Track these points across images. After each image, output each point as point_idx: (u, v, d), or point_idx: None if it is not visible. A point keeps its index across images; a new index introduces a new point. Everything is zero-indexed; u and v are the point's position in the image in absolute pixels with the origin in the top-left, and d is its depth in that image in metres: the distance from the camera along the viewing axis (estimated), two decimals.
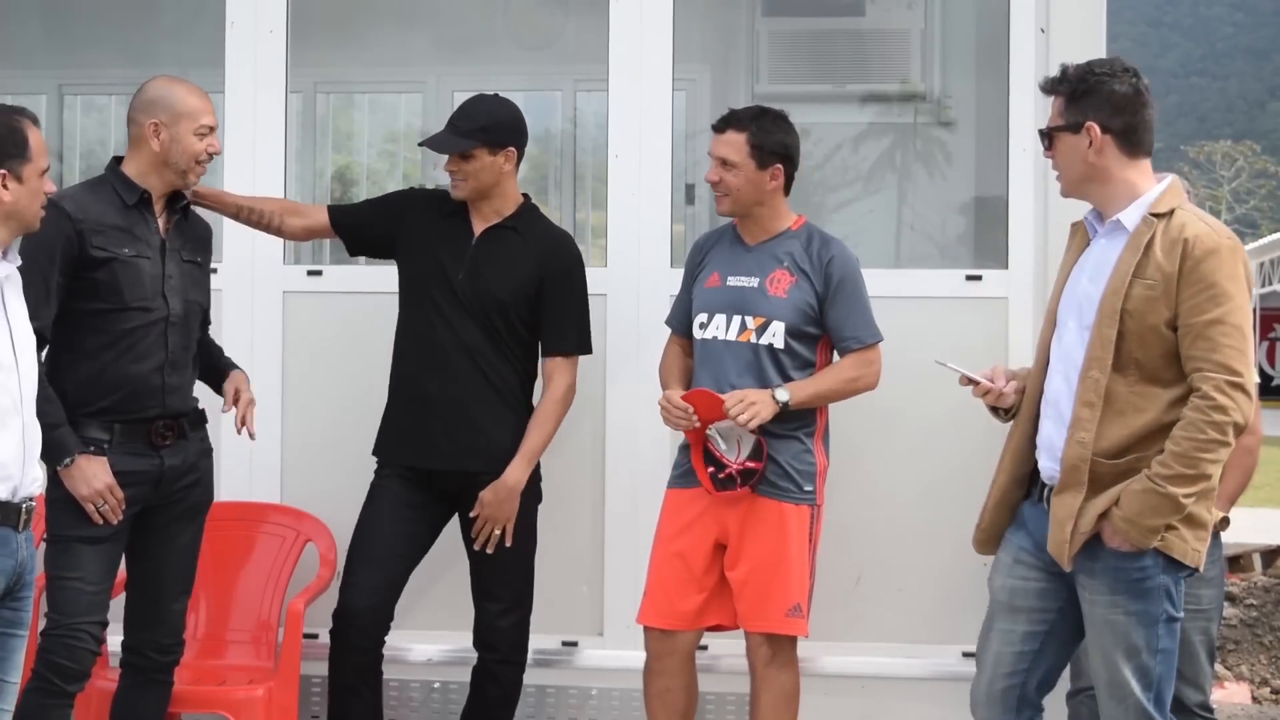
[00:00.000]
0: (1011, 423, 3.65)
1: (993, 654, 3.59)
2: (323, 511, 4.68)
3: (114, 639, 4.11)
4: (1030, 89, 4.51)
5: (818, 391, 4.13)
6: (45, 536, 3.83)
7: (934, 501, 4.63)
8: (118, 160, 3.98)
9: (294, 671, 4.37)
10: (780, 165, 4.16)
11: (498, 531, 4.19)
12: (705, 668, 4.40)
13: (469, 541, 4.27)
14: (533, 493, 4.27)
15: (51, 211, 3.57)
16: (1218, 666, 6.48)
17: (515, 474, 4.18)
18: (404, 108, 6.98)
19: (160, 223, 3.95)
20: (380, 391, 4.35)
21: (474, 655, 4.32)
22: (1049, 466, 3.47)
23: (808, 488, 4.14)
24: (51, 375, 3.75)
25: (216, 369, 4.19)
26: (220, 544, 4.50)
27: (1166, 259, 3.31)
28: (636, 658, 4.30)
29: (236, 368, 4.18)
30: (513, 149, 4.21)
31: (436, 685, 4.80)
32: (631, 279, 4.74)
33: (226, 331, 4.58)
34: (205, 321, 4.16)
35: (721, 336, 4.17)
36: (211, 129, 3.95)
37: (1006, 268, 4.68)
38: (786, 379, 4.12)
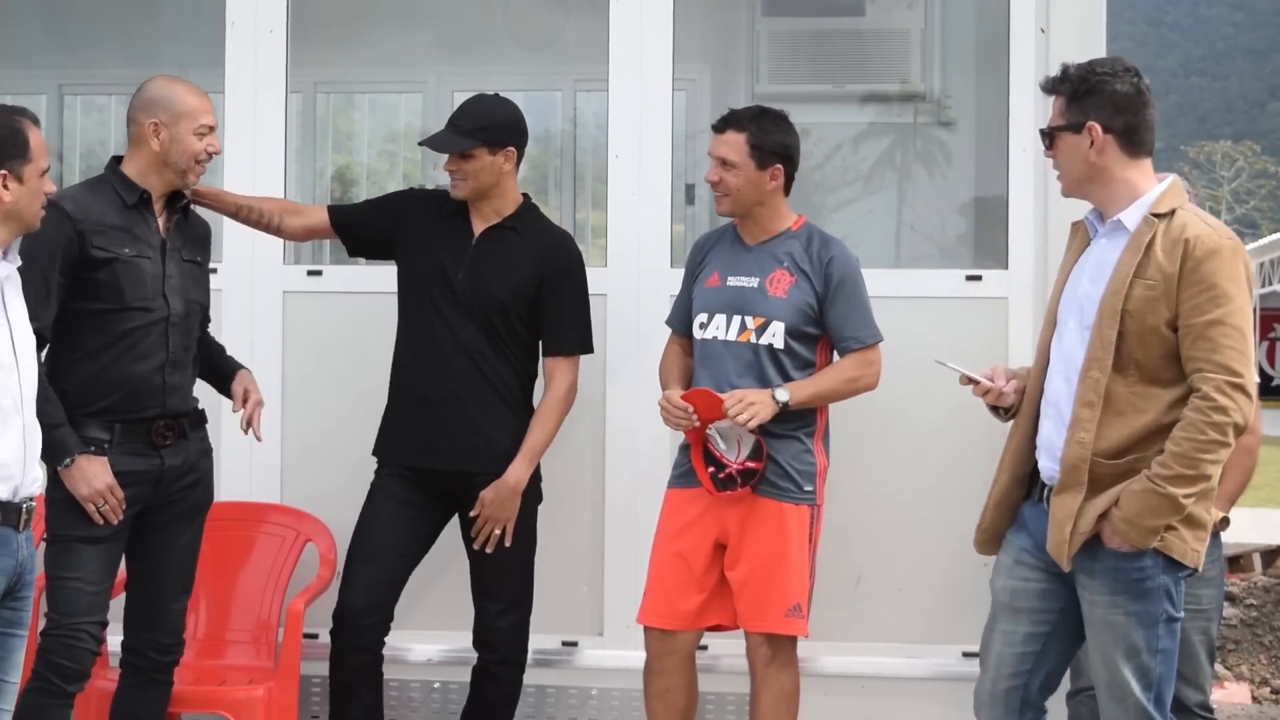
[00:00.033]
0: (1012, 423, 3.65)
1: (995, 655, 3.59)
2: (323, 511, 4.68)
3: (114, 639, 4.11)
4: (1030, 89, 4.51)
5: (817, 392, 4.13)
6: (45, 536, 3.83)
7: (934, 501, 4.63)
8: (117, 160, 3.98)
9: (294, 671, 4.37)
10: (780, 165, 4.16)
11: (497, 531, 4.19)
12: (705, 668, 4.40)
13: (469, 541, 4.27)
14: (533, 493, 4.27)
15: (52, 212, 3.57)
16: (1218, 666, 6.48)
17: (516, 473, 4.18)
18: (404, 108, 6.98)
19: (160, 222, 3.95)
20: (380, 391, 4.35)
21: (474, 655, 4.32)
22: (1048, 467, 3.47)
23: (808, 488, 4.14)
24: (52, 375, 3.75)
25: (220, 369, 4.19)
26: (220, 544, 4.50)
27: (1167, 259, 3.30)
28: (636, 658, 4.30)
29: (242, 367, 4.18)
30: (512, 149, 4.21)
31: (436, 685, 4.80)
32: (631, 279, 4.74)
33: (226, 331, 4.57)
34: (205, 321, 4.17)
35: (721, 336, 4.17)
36: (211, 128, 3.95)
37: (1006, 268, 4.68)
38: (787, 379, 4.12)
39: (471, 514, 4.20)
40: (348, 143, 7.14)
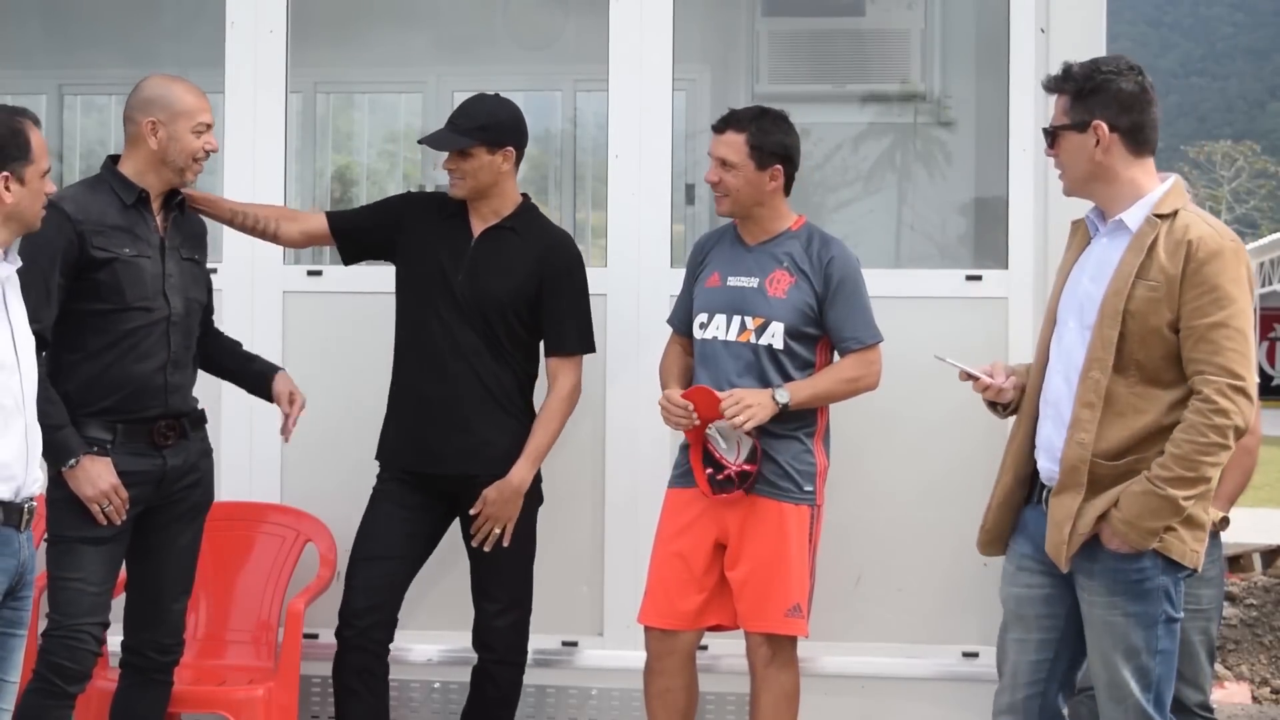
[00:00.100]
0: (1013, 423, 3.64)
1: (1011, 664, 3.59)
2: (323, 511, 4.68)
3: (114, 639, 4.11)
4: (1030, 89, 4.52)
5: (817, 392, 4.13)
6: (47, 537, 3.84)
7: (934, 501, 4.63)
8: (114, 159, 3.98)
9: (294, 671, 4.38)
10: (780, 166, 4.16)
11: (497, 530, 4.19)
12: (705, 668, 4.40)
13: (469, 541, 4.27)
14: (534, 494, 4.27)
15: (52, 213, 3.57)
16: (1218, 666, 6.48)
17: (520, 474, 4.18)
18: (404, 108, 6.98)
19: (158, 221, 3.95)
20: (380, 391, 4.35)
21: (474, 655, 4.33)
22: (1048, 468, 3.46)
23: (808, 488, 4.14)
24: (53, 376, 3.75)
25: (253, 369, 4.21)
26: (220, 544, 4.51)
27: (1170, 261, 3.30)
28: (636, 658, 4.30)
29: (279, 368, 4.20)
30: (511, 149, 4.21)
31: (436, 685, 4.80)
32: (631, 279, 4.74)
33: (226, 331, 4.57)
34: (209, 317, 4.17)
35: (721, 337, 4.17)
36: (209, 126, 3.95)
37: (1006, 268, 4.68)
38: (787, 379, 4.12)
39: (472, 511, 4.20)
40: (348, 143, 7.14)
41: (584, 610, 4.78)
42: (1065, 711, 3.58)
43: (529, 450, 4.19)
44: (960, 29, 5.57)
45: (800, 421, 4.13)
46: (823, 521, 4.20)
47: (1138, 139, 3.41)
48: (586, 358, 4.33)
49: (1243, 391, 3.25)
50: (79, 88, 6.63)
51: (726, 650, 4.52)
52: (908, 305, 4.61)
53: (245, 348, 4.31)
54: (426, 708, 4.81)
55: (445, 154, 4.23)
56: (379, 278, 4.52)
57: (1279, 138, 63.31)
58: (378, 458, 4.33)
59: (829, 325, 4.16)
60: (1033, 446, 3.54)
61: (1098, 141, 3.39)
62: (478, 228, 4.26)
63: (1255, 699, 6.42)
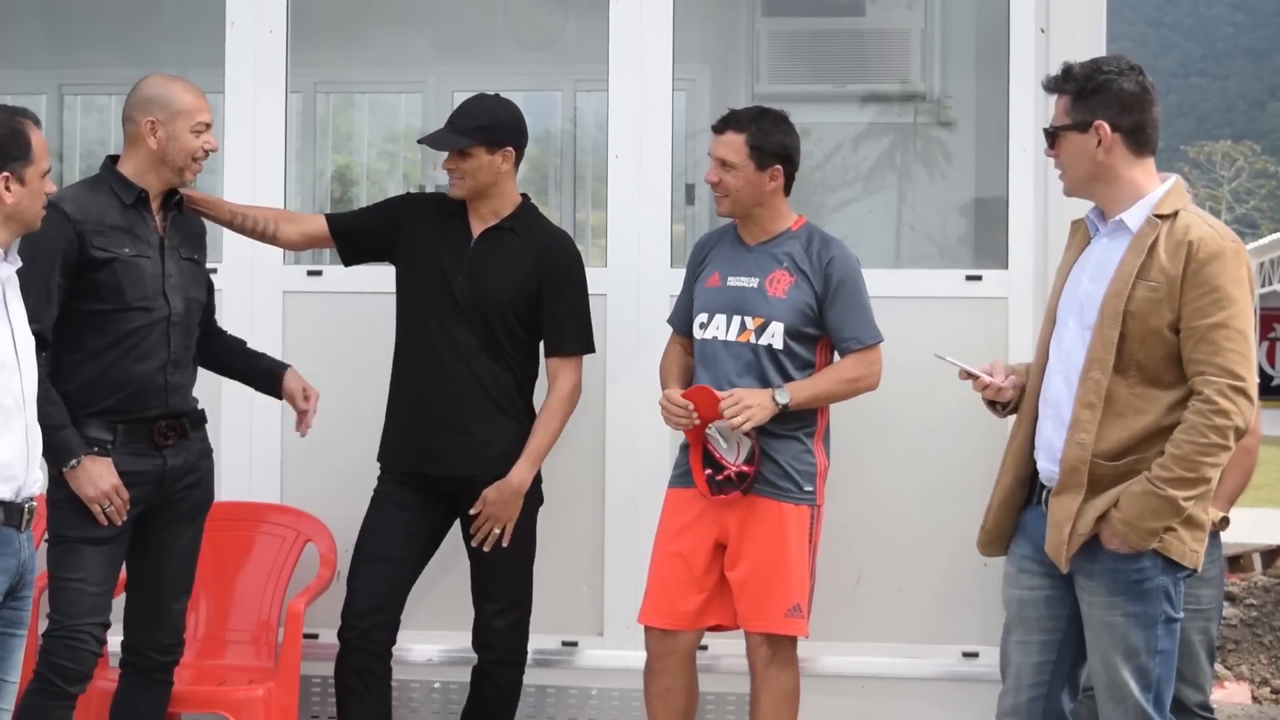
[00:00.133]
0: (1013, 423, 3.64)
1: (1014, 667, 3.58)
2: (323, 511, 4.68)
3: (114, 639, 4.11)
4: (1030, 89, 4.52)
5: (817, 393, 4.13)
6: (48, 538, 3.84)
7: (934, 501, 4.63)
8: (113, 159, 3.98)
9: (294, 671, 4.38)
10: (779, 166, 4.16)
11: (496, 530, 4.19)
12: (705, 668, 4.40)
13: (469, 541, 4.27)
14: (534, 495, 4.27)
15: (51, 213, 3.57)
16: (1218, 666, 6.48)
17: (520, 474, 4.18)
18: (404, 108, 6.97)
19: (157, 221, 3.95)
20: (380, 391, 4.34)
21: (474, 655, 4.32)
22: (1047, 468, 3.46)
23: (808, 488, 4.13)
24: (53, 377, 3.75)
25: (260, 367, 4.24)
26: (220, 544, 4.51)
27: (1171, 261, 3.30)
28: (636, 658, 4.30)
29: (287, 365, 4.23)
30: (510, 149, 4.20)
31: (437, 685, 4.80)
32: (631, 279, 4.74)
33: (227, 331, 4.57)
34: (209, 319, 4.17)
35: (721, 337, 4.17)
36: (207, 126, 3.95)
37: (1006, 268, 4.68)
38: (787, 379, 4.12)
39: (472, 512, 4.20)
40: (348, 143, 7.13)
41: (584, 610, 4.78)
42: (1068, 711, 3.57)
43: (529, 450, 4.19)
44: (960, 29, 5.57)
45: (800, 421, 4.13)
46: (823, 521, 4.20)
47: (1139, 139, 3.41)
48: (587, 358, 4.33)
49: (1243, 392, 3.25)
50: (79, 88, 6.63)
51: (726, 650, 4.52)
52: (908, 305, 4.61)
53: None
54: (426, 708, 4.81)
55: (445, 154, 4.23)
56: (379, 278, 4.52)
57: (1279, 138, 63.30)
58: (379, 459, 4.34)
59: (829, 325, 4.16)
60: (1033, 447, 3.54)
61: (1099, 142, 3.39)
62: (477, 228, 4.25)
63: (1255, 699, 6.42)
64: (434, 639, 4.73)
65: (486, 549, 4.20)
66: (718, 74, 5.85)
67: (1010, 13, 4.68)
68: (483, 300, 4.17)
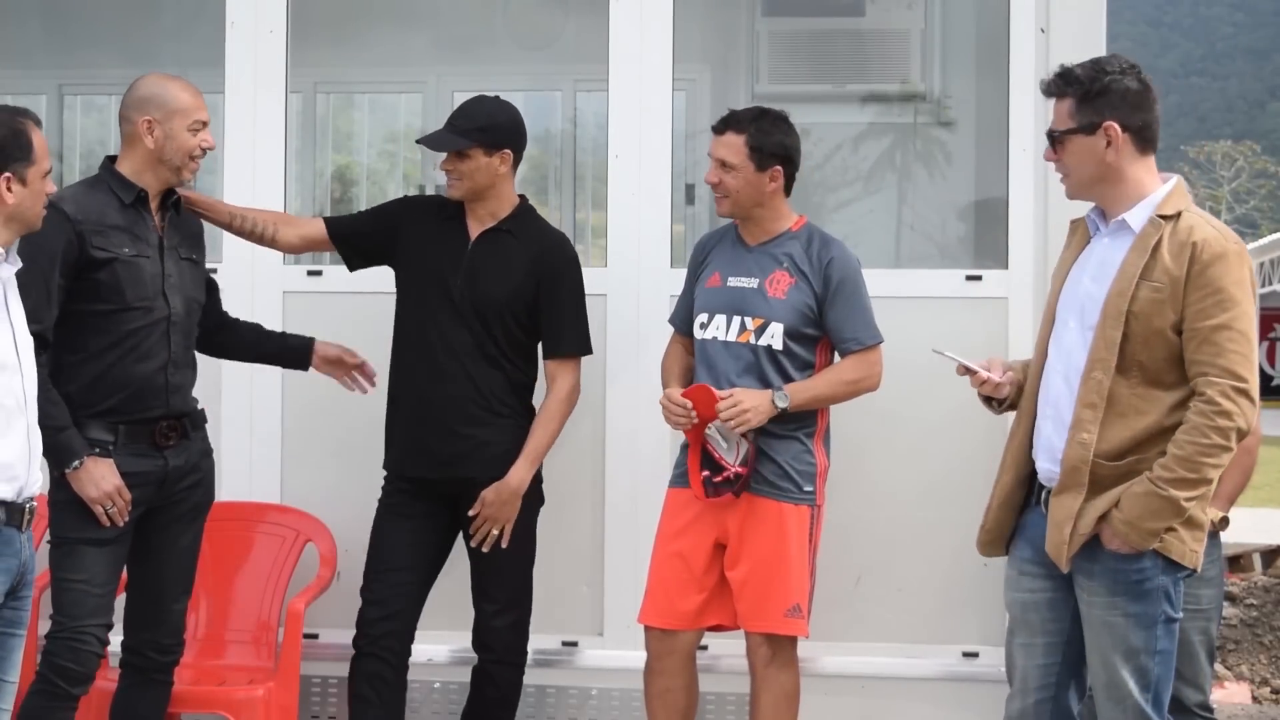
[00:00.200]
0: (1012, 422, 3.64)
1: (1020, 670, 3.58)
2: (323, 511, 4.68)
3: (114, 639, 4.11)
4: (1030, 89, 4.51)
5: (817, 395, 4.13)
6: (50, 539, 3.84)
7: (934, 501, 4.63)
8: (111, 159, 3.98)
9: (294, 671, 4.38)
10: (779, 167, 4.16)
11: (495, 532, 4.19)
12: (705, 668, 4.40)
13: (469, 542, 4.26)
14: (534, 495, 4.27)
15: (51, 214, 3.56)
16: (1218, 666, 6.48)
17: (518, 475, 4.18)
18: (404, 108, 6.97)
19: (156, 220, 3.95)
20: (380, 392, 4.35)
21: (474, 655, 4.32)
22: (1047, 468, 3.46)
23: (807, 488, 4.13)
24: (54, 377, 3.75)
25: (294, 346, 4.32)
26: (220, 544, 4.51)
27: (1174, 262, 3.29)
28: (636, 658, 4.30)
29: (312, 338, 4.31)
30: (509, 151, 4.20)
31: (437, 685, 4.80)
32: (631, 279, 4.74)
33: None
34: (218, 312, 4.18)
35: (721, 337, 4.17)
36: (205, 124, 3.95)
37: (1006, 268, 4.68)
38: (787, 380, 4.12)
39: (470, 513, 4.20)
40: (348, 143, 7.13)
41: (584, 610, 4.78)
42: (1076, 712, 3.57)
43: (527, 451, 4.19)
44: (960, 29, 5.57)
45: (800, 422, 4.13)
46: (823, 521, 4.20)
47: (1146, 137, 3.41)
48: (587, 358, 4.33)
49: (1245, 394, 3.25)
50: (79, 88, 6.63)
51: (726, 650, 4.52)
52: (908, 305, 4.61)
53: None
54: (426, 708, 4.81)
55: (444, 154, 4.23)
56: (378, 278, 4.52)
57: (1279, 138, 63.29)
58: (384, 466, 4.33)
59: (829, 326, 4.16)
60: (1032, 446, 3.53)
61: (1109, 143, 3.37)
62: (475, 230, 4.25)
63: (1255, 699, 6.42)
64: (434, 639, 4.72)
65: (485, 550, 4.20)
66: (718, 74, 5.85)
67: (1010, 13, 4.68)
68: (480, 302, 4.17)
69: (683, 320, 4.35)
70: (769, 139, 4.14)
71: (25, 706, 3.68)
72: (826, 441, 4.22)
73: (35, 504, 3.40)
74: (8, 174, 3.31)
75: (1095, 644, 3.42)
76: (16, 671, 3.43)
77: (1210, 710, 4.12)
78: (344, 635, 4.39)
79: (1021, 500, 3.58)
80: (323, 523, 4.66)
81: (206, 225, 4.23)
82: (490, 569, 4.24)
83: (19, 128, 3.34)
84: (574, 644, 4.78)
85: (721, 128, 4.18)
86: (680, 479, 4.24)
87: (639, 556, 4.43)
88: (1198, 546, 3.36)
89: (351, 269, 4.46)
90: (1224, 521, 3.99)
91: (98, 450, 3.78)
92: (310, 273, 4.92)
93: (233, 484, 4.74)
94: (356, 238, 4.37)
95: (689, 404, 4.08)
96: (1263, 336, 23.63)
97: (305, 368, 4.36)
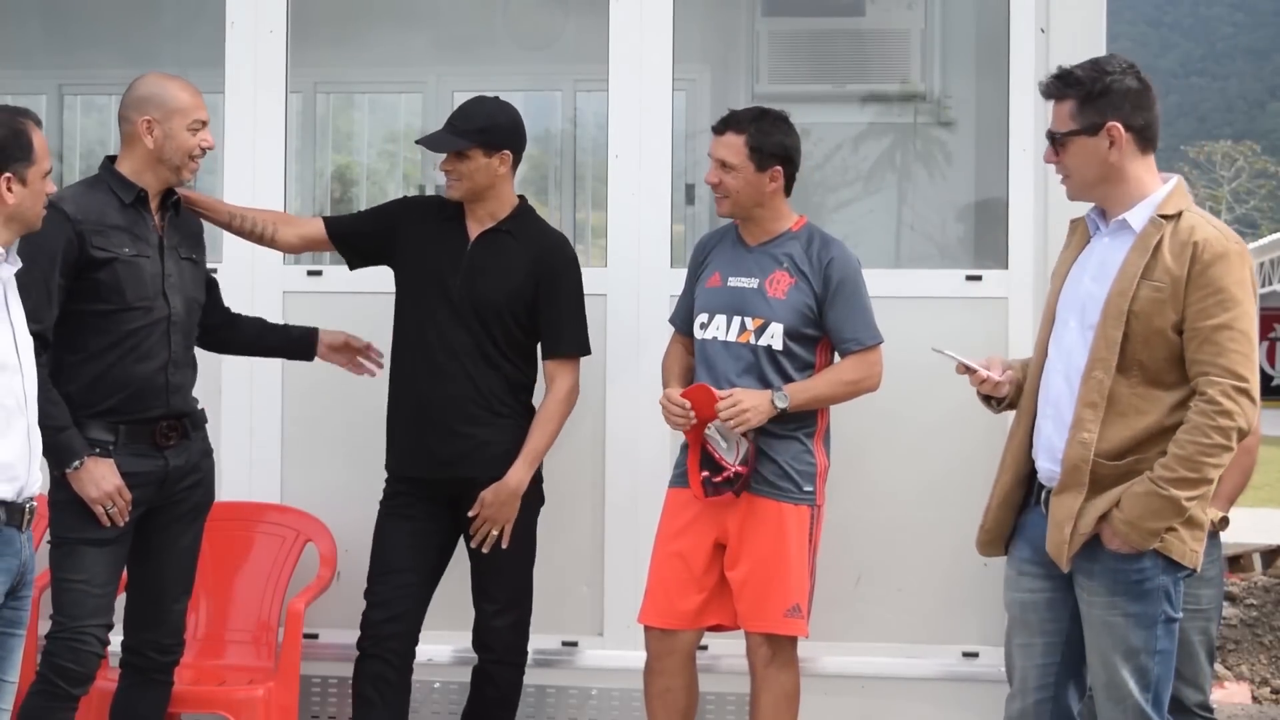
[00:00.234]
0: (1012, 422, 3.64)
1: (1019, 670, 3.58)
2: (323, 511, 4.68)
3: (114, 639, 4.11)
4: (1030, 89, 4.50)
5: (817, 395, 4.13)
6: (50, 539, 3.84)
7: (934, 501, 4.63)
8: (111, 159, 3.98)
9: (294, 671, 4.38)
10: (779, 167, 4.16)
11: (495, 532, 4.19)
12: (705, 668, 4.40)
13: (469, 542, 4.26)
14: (534, 495, 4.27)
15: (51, 214, 3.56)
16: (1218, 666, 6.48)
17: (517, 475, 4.17)
18: (404, 108, 6.97)
19: (155, 220, 3.95)
20: (379, 392, 4.34)
21: (474, 655, 4.32)
22: (1047, 468, 3.46)
23: (807, 488, 4.13)
24: (55, 378, 3.75)
25: (298, 337, 4.33)
26: (220, 544, 4.51)
27: (1175, 262, 3.29)
28: (636, 658, 4.30)
29: (315, 328, 4.34)
30: (508, 152, 4.20)
31: (437, 685, 4.80)
32: (631, 279, 4.74)
33: None
34: (221, 308, 4.18)
35: (721, 337, 4.17)
36: (204, 123, 3.95)
37: (1006, 268, 4.68)
38: (787, 380, 4.12)
39: (470, 513, 4.20)
40: (348, 143, 7.13)
41: (584, 610, 4.78)
42: (1076, 712, 3.56)
43: (526, 452, 4.19)
44: (960, 29, 5.57)
45: (800, 422, 4.13)
46: (823, 521, 4.20)
47: (1147, 136, 3.41)
48: (586, 358, 4.33)
49: (1246, 393, 3.25)
50: (79, 88, 6.63)
51: (726, 650, 4.52)
52: (908, 305, 4.61)
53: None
54: (426, 708, 4.81)
55: (443, 155, 4.22)
56: (378, 278, 4.52)
57: (1279, 138, 63.28)
58: (386, 466, 4.33)
59: (829, 326, 4.16)
60: (1031, 446, 3.53)
61: (1111, 143, 3.37)
62: (474, 230, 4.25)
63: (1255, 699, 6.42)
64: (434, 639, 4.71)
65: (485, 550, 4.20)
66: (718, 74, 5.85)
67: (1010, 13, 4.68)
68: (480, 302, 4.17)
69: (683, 320, 4.35)
70: (769, 139, 4.14)
71: (25, 706, 3.68)
72: (826, 441, 4.22)
73: (35, 504, 3.40)
74: (8, 174, 3.31)
75: (1095, 644, 3.42)
76: (16, 671, 3.43)
77: (1210, 710, 4.12)
78: (344, 635, 4.40)
79: (1021, 500, 3.57)
80: (323, 523, 4.66)
81: (206, 225, 4.23)
82: (490, 569, 4.24)
83: (19, 128, 3.34)
84: (574, 644, 4.78)
85: (721, 128, 4.18)
86: (680, 479, 4.24)
87: (639, 556, 4.43)
88: (1198, 546, 3.36)
89: (352, 269, 4.46)
90: (1224, 521, 3.99)
91: (98, 450, 3.78)
92: (310, 273, 4.92)
93: (233, 484, 4.74)
94: (356, 238, 4.36)
95: (688, 404, 4.08)
96: (1263, 336, 23.61)
97: (310, 358, 4.37)
